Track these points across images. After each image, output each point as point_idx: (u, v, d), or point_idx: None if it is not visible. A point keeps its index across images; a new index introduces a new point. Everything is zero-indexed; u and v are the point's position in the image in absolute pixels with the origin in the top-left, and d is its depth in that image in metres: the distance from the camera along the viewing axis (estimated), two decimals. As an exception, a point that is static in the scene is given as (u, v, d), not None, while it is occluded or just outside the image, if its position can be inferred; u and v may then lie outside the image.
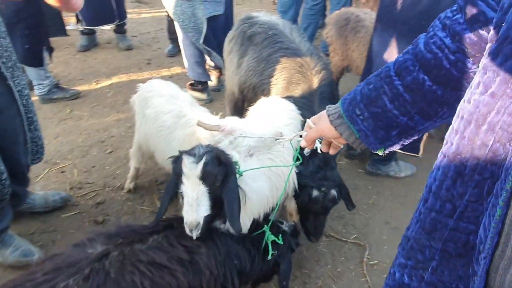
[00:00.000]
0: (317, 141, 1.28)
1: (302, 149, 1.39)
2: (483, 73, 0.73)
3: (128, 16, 5.53)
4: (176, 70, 5.07)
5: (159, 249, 1.39)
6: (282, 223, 2.12)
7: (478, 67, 0.88)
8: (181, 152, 1.60)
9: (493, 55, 0.70)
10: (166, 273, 1.33)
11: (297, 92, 2.40)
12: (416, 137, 1.10)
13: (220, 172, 1.56)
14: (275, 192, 2.04)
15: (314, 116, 1.26)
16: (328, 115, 1.16)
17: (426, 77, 0.97)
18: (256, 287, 2.10)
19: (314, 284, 2.44)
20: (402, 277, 0.97)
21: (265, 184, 1.96)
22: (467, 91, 0.80)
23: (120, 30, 5.40)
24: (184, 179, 1.54)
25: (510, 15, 0.67)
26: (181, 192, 1.58)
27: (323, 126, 1.18)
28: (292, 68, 2.47)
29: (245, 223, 1.88)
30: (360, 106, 1.08)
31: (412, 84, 0.99)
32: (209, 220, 1.56)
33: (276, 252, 1.90)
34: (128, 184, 3.02)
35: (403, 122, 1.04)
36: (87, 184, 3.12)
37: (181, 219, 1.54)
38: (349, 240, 2.77)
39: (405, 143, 1.12)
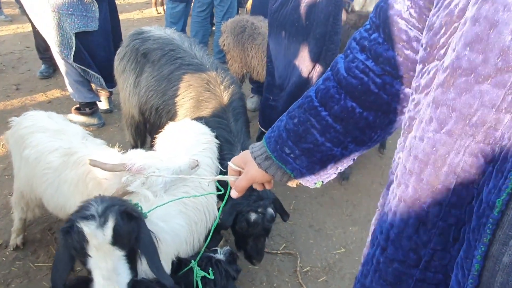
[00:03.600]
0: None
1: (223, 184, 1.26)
2: (434, 108, 0.65)
3: (-19, 34, 4.63)
4: (55, 93, 4.41)
5: None
6: (215, 252, 1.97)
7: (408, 87, 0.85)
8: (73, 220, 1.30)
9: (444, 88, 0.62)
10: None
11: (208, 110, 2.23)
12: (351, 163, 1.04)
13: (134, 228, 1.36)
14: (194, 226, 1.88)
15: (235, 158, 1.14)
16: (254, 158, 1.04)
17: (354, 104, 0.91)
18: None
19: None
20: None
21: (180, 221, 1.78)
22: (415, 126, 0.72)
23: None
24: (90, 251, 1.26)
25: (459, 43, 0.60)
26: (87, 267, 1.31)
27: (251, 172, 1.06)
28: (198, 85, 2.29)
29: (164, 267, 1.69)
30: (289, 144, 0.98)
31: (341, 113, 0.92)
32: (131, 283, 1.36)
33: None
34: (14, 240, 2.49)
35: (338, 153, 0.97)
36: (-44, 249, 2.47)
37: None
38: (279, 252, 2.73)
39: (341, 171, 1.06)
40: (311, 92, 0.99)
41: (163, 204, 1.62)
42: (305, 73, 2.90)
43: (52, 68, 4.68)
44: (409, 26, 0.78)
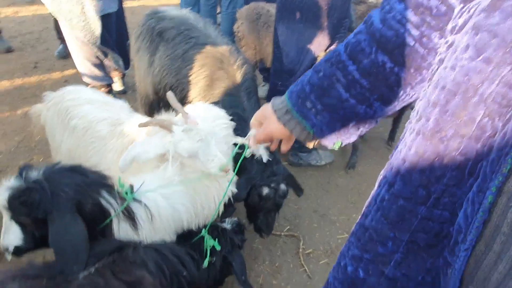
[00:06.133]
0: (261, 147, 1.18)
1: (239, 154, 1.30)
2: (473, 35, 0.61)
3: (2, 15, 4.74)
4: (71, 73, 4.50)
5: (93, 286, 1.16)
6: (224, 221, 2.01)
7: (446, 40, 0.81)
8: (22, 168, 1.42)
9: (488, 13, 0.59)
10: None
11: (221, 89, 2.28)
12: (374, 125, 1.01)
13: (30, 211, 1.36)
14: (200, 210, 1.90)
15: (258, 112, 1.13)
16: (274, 111, 1.03)
17: (386, 58, 0.86)
18: None
19: (255, 283, 2.39)
20: (356, 271, 0.87)
21: (184, 201, 1.82)
22: (448, 55, 0.68)
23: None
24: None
25: None
26: None
27: (270, 126, 1.04)
28: (212, 64, 2.34)
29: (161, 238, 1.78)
30: (311, 99, 0.95)
31: (370, 68, 0.87)
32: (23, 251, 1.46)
33: (214, 258, 1.80)
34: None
35: (362, 110, 0.93)
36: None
37: (116, 249, 1.34)
38: (283, 233, 2.78)
39: (363, 133, 1.03)
40: (339, 47, 0.95)
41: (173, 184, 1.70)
42: (319, 58, 2.93)
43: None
44: None
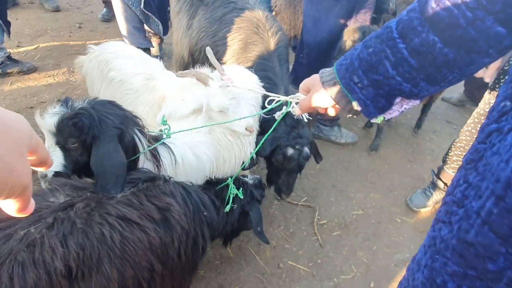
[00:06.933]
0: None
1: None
2: None
3: (53, -24, 4.98)
4: (113, 36, 4.70)
5: (129, 205, 1.28)
6: (246, 176, 2.11)
7: (501, 26, 0.79)
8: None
9: None
10: (136, 229, 1.23)
11: (254, 53, 2.35)
12: (418, 103, 1.02)
13: (77, 133, 1.43)
14: (221, 163, 2.02)
15: (306, 80, 1.17)
16: (323, 82, 1.06)
17: (437, 39, 0.86)
18: (228, 243, 2.11)
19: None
20: None
21: (208, 152, 1.92)
22: None
23: (45, -12, 4.85)
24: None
25: None
26: None
27: (317, 96, 1.08)
28: (248, 28, 2.41)
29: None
30: (359, 73, 0.98)
31: (420, 47, 0.88)
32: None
33: (235, 205, 1.89)
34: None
35: (407, 89, 0.94)
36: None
37: (150, 179, 1.46)
38: (299, 203, 2.86)
39: (406, 109, 1.03)
40: (392, 23, 0.95)
41: (188, 130, 1.78)
42: (337, 29, 2.89)
43: (112, 13, 4.95)
44: None
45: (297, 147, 2.19)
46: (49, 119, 1.43)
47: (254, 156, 2.04)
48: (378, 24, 3.40)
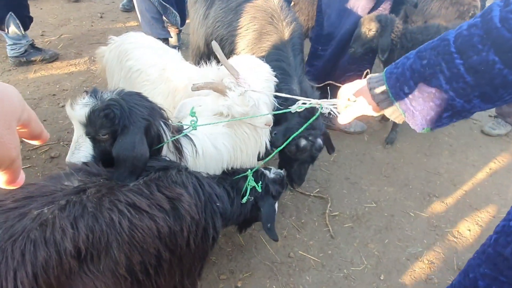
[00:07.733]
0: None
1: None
2: None
3: (76, -35, 5.09)
4: (133, 25, 4.78)
5: (139, 194, 1.31)
6: (269, 169, 2.11)
7: None
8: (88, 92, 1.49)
9: None
10: (145, 217, 1.26)
11: (269, 43, 2.36)
12: (468, 118, 1.02)
13: (107, 124, 1.43)
14: (239, 153, 2.02)
15: (349, 84, 1.13)
16: (370, 89, 1.03)
17: (497, 59, 0.83)
18: (243, 230, 2.12)
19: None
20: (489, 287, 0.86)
21: (226, 142, 1.93)
22: None
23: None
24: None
25: None
26: None
27: (363, 101, 1.05)
28: (262, 18, 2.41)
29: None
30: (410, 84, 0.94)
31: (478, 65, 0.85)
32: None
33: (252, 198, 1.89)
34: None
35: (459, 104, 0.91)
36: (39, 138, 2.91)
37: (163, 168, 1.50)
38: (312, 194, 2.87)
39: (455, 122, 1.01)
40: (449, 36, 0.91)
41: (214, 124, 1.81)
42: (359, 20, 2.89)
43: (133, 3, 5.03)
44: None
45: (310, 138, 2.19)
46: (80, 110, 1.43)
47: (269, 146, 2.06)
48: (397, 15, 3.33)
